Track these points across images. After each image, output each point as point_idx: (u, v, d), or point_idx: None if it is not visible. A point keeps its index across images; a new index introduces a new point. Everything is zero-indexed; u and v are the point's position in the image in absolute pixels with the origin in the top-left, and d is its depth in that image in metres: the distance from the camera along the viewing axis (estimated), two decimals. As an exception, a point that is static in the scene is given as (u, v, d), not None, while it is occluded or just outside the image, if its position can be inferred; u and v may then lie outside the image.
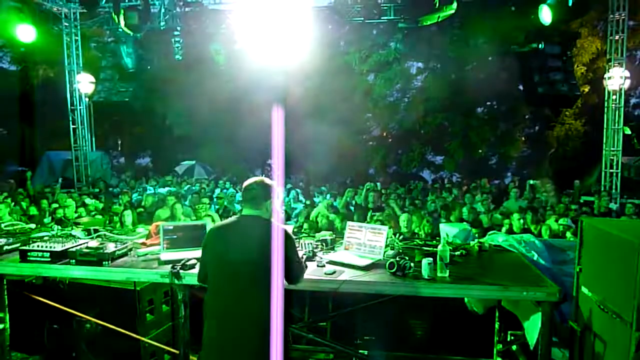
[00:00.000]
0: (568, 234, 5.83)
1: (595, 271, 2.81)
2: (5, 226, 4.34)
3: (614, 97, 11.50)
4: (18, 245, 3.70)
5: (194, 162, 15.24)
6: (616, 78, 11.29)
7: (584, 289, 2.90)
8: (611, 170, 11.66)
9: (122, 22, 10.08)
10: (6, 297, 3.90)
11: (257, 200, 2.64)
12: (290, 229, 3.78)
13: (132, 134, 18.16)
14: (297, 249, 2.93)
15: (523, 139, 16.83)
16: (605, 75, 11.59)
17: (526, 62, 10.99)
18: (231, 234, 2.63)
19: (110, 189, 11.89)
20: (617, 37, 11.36)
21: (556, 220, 6.40)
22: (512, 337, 3.74)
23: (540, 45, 10.37)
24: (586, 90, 15.16)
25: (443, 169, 15.82)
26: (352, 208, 8.11)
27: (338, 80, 15.81)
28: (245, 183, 2.72)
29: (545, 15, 9.36)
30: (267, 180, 2.72)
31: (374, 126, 16.17)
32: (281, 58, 8.37)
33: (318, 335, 4.27)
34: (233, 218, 2.73)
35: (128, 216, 6.55)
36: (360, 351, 4.26)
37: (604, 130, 11.78)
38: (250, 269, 2.49)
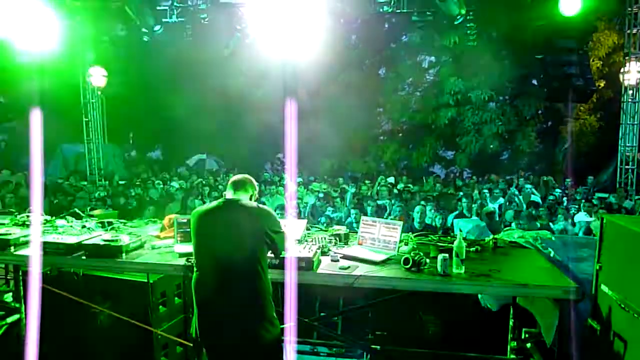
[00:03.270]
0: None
1: (616, 269, 2.75)
2: (21, 217, 4.37)
3: (631, 92, 11.30)
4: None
5: (204, 155, 15.27)
6: (633, 72, 11.10)
7: (603, 287, 2.84)
8: (627, 167, 11.48)
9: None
10: (22, 288, 3.94)
11: (244, 188, 2.84)
12: (303, 223, 3.76)
13: (144, 127, 18.24)
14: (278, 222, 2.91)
15: (536, 134, 16.57)
16: (622, 70, 11.40)
17: (541, 55, 10.79)
18: (216, 219, 2.75)
19: (122, 182, 11.95)
20: (634, 31, 11.12)
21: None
22: (527, 335, 3.69)
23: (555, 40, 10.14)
24: (602, 85, 14.89)
25: (454, 164, 15.67)
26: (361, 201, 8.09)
27: (349, 74, 15.74)
28: (233, 177, 2.93)
29: (568, 6, 8.76)
30: (253, 179, 2.96)
31: (384, 121, 16.04)
32: (292, 51, 8.32)
33: (329, 330, 4.26)
34: (216, 202, 2.85)
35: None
36: (372, 346, 4.24)
37: (620, 125, 11.60)
38: (234, 257, 2.61)
